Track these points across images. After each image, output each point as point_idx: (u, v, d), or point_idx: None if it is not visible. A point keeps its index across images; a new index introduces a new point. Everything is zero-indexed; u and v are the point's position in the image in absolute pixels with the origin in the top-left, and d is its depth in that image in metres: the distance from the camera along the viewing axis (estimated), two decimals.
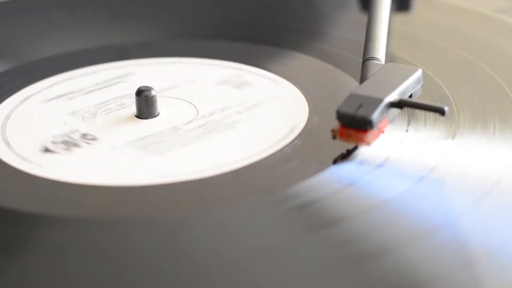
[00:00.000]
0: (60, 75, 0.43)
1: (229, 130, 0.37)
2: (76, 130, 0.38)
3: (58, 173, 0.34)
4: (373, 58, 0.38)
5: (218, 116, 0.38)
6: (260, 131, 0.37)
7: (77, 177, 0.34)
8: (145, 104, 0.38)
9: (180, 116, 0.39)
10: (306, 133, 0.36)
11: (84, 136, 0.37)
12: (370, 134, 0.33)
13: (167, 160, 0.35)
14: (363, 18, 0.44)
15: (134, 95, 0.39)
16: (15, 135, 0.38)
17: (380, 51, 0.39)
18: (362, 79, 0.37)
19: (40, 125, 0.38)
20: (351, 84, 0.40)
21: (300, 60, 0.44)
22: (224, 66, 0.43)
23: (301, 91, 0.40)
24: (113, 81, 0.42)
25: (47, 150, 0.36)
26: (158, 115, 0.39)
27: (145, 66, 0.44)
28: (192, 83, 0.42)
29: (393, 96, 0.34)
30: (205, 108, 0.39)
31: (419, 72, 0.36)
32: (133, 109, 0.39)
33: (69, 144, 0.36)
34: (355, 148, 0.34)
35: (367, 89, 0.35)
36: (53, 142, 0.37)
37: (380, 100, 0.34)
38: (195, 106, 0.39)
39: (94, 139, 0.37)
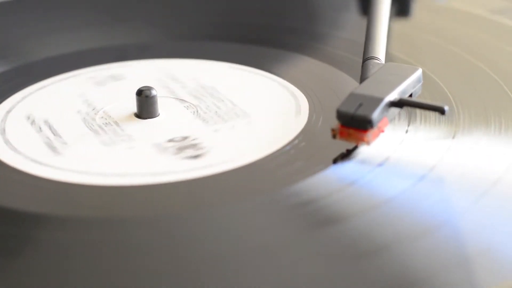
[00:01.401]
0: (52, 78, 0.43)
1: (229, 129, 0.37)
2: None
3: (61, 173, 0.34)
4: (373, 58, 0.38)
5: (217, 116, 0.38)
6: (260, 132, 0.37)
7: (80, 176, 0.34)
8: (146, 104, 0.38)
9: (181, 114, 0.39)
10: (306, 133, 0.36)
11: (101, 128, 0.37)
12: (370, 133, 0.33)
13: (167, 159, 0.35)
14: (363, 19, 0.44)
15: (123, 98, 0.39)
16: (15, 135, 0.38)
17: (380, 50, 0.39)
18: (362, 79, 0.37)
19: (41, 126, 0.38)
20: (351, 84, 0.40)
21: (300, 61, 0.44)
22: (225, 66, 0.43)
23: (301, 91, 0.40)
24: (110, 79, 0.42)
25: (53, 148, 0.36)
26: (158, 115, 0.39)
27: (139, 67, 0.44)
28: (187, 82, 0.42)
29: (393, 96, 0.34)
30: (204, 106, 0.39)
31: (419, 72, 0.36)
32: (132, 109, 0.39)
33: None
34: (355, 147, 0.35)
35: (367, 89, 0.35)
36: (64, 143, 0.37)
37: (380, 100, 0.34)
38: (193, 105, 0.40)
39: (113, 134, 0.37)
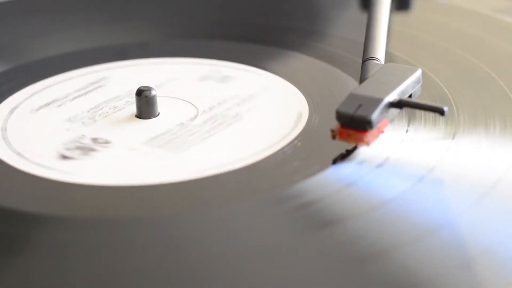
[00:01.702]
0: (39, 83, 0.42)
1: (227, 129, 0.37)
2: (84, 136, 0.37)
3: (60, 175, 0.34)
4: (372, 58, 0.38)
5: (216, 115, 0.38)
6: (259, 132, 0.37)
7: (80, 177, 0.34)
8: (145, 104, 0.38)
9: (181, 115, 0.39)
10: (306, 133, 0.36)
11: (95, 140, 0.37)
12: (370, 134, 0.33)
13: (167, 159, 0.35)
14: (363, 18, 0.44)
15: (122, 97, 0.39)
16: (15, 135, 0.38)
17: (379, 51, 0.39)
18: (361, 79, 0.37)
19: (43, 132, 0.38)
20: (351, 84, 0.40)
21: (300, 60, 0.44)
22: (224, 65, 0.43)
23: (301, 91, 0.40)
24: (92, 86, 0.42)
25: (65, 157, 0.36)
26: (158, 115, 0.39)
27: (120, 69, 0.44)
28: (182, 81, 0.42)
29: (392, 96, 0.34)
30: (203, 105, 0.39)
31: (418, 72, 0.36)
32: (129, 110, 0.39)
33: (85, 149, 0.36)
34: (355, 148, 0.34)
35: (366, 89, 0.35)
36: (68, 149, 0.36)
37: (379, 100, 0.34)
38: (192, 104, 0.40)
39: (106, 142, 0.37)
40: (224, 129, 0.37)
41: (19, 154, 0.36)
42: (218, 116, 0.38)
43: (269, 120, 0.38)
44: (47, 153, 0.36)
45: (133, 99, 0.39)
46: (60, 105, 0.40)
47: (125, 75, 0.43)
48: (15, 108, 0.40)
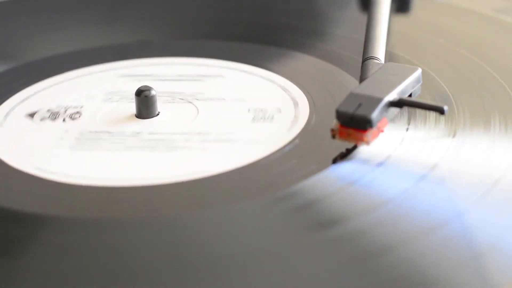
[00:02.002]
0: (36, 85, 0.43)
1: (227, 129, 0.37)
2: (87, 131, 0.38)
3: (60, 175, 0.34)
4: (372, 58, 0.38)
5: (216, 115, 0.38)
6: (259, 131, 0.37)
7: (80, 177, 0.34)
8: (145, 104, 0.38)
9: (181, 114, 0.39)
10: (306, 133, 0.36)
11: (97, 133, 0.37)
12: (370, 133, 0.33)
13: (167, 159, 0.35)
14: (363, 17, 0.44)
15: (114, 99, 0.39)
16: (16, 135, 0.38)
17: (379, 50, 0.39)
18: (361, 79, 0.37)
19: (41, 136, 0.38)
20: (351, 84, 0.39)
21: (300, 60, 0.44)
22: (224, 64, 0.43)
23: (301, 90, 0.40)
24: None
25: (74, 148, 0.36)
26: (158, 114, 0.39)
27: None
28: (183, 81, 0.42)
29: (392, 96, 0.34)
30: (203, 105, 0.39)
31: (418, 72, 0.36)
32: (128, 111, 0.39)
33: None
34: (355, 147, 0.34)
35: (366, 89, 0.35)
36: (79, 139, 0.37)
37: (379, 100, 0.34)
38: (192, 104, 0.40)
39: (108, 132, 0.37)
40: (224, 129, 0.37)
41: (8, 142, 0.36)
42: (217, 115, 0.38)
43: (269, 120, 0.38)
44: (59, 158, 0.36)
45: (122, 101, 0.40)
46: (54, 113, 0.40)
47: (143, 71, 0.43)
48: (23, 99, 0.41)
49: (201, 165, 0.34)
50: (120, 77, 0.43)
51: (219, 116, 0.38)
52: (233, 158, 0.35)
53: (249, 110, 0.39)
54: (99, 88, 0.42)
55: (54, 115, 0.39)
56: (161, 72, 0.43)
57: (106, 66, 0.44)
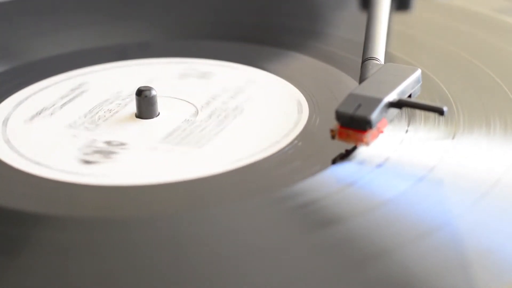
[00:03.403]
0: (30, 87, 0.42)
1: (227, 129, 0.37)
2: (95, 140, 0.37)
3: (60, 173, 0.34)
4: (372, 58, 0.38)
5: (216, 115, 0.38)
6: (259, 132, 0.37)
7: (80, 175, 0.34)
8: (145, 104, 0.38)
9: (181, 115, 0.39)
10: (305, 133, 0.36)
11: (109, 143, 0.37)
12: (369, 134, 0.33)
13: (167, 159, 0.35)
14: (363, 18, 0.44)
15: (111, 100, 0.39)
16: (16, 135, 0.38)
17: (379, 51, 0.39)
18: (361, 79, 0.37)
19: (48, 140, 0.38)
20: (351, 84, 0.40)
21: (300, 60, 0.44)
22: (224, 65, 0.43)
23: (301, 91, 0.40)
24: (74, 92, 0.42)
25: (87, 162, 0.36)
26: (159, 114, 0.39)
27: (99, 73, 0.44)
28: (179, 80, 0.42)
29: (392, 96, 0.34)
30: (203, 105, 0.39)
31: (418, 72, 0.36)
32: (127, 110, 0.39)
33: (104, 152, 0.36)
34: (354, 148, 0.34)
35: (366, 89, 0.35)
36: (86, 154, 0.36)
37: (379, 100, 0.34)
38: (191, 103, 0.40)
39: (121, 144, 0.37)
40: (224, 129, 0.37)
41: (37, 163, 0.36)
42: (217, 118, 0.38)
43: (269, 120, 0.38)
44: (66, 160, 0.36)
45: (123, 101, 0.39)
46: (52, 113, 0.40)
47: (143, 71, 0.43)
48: (23, 99, 0.41)
49: (200, 166, 0.34)
50: (122, 77, 0.43)
51: (218, 116, 0.38)
52: (233, 158, 0.35)
53: (247, 112, 0.39)
54: (100, 88, 0.42)
55: (54, 115, 0.39)
56: (162, 71, 0.43)
57: (108, 65, 0.44)
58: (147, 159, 0.35)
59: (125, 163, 0.35)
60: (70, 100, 0.41)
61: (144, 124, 0.38)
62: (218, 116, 0.38)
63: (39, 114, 0.39)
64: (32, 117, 0.39)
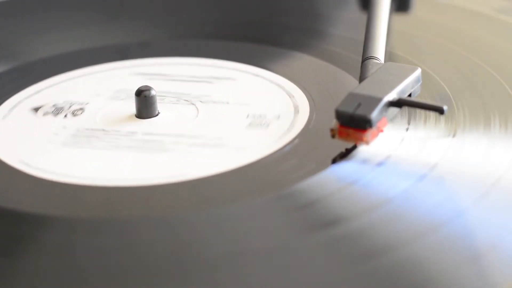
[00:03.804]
0: (35, 86, 0.43)
1: (227, 129, 0.37)
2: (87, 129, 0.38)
3: (61, 174, 0.34)
4: (372, 57, 0.38)
5: (216, 115, 0.38)
6: (259, 131, 0.37)
7: (79, 177, 0.34)
8: (144, 104, 0.38)
9: (180, 115, 0.39)
10: (305, 132, 0.36)
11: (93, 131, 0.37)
12: (369, 133, 0.33)
13: (167, 159, 0.35)
14: (363, 17, 0.44)
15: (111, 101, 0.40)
16: (16, 135, 0.38)
17: (379, 50, 0.39)
18: (361, 78, 0.37)
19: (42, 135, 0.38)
20: (351, 83, 0.39)
21: (300, 59, 0.44)
22: (224, 64, 0.43)
23: (301, 90, 0.40)
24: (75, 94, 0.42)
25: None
26: (157, 114, 0.39)
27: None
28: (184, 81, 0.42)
29: (392, 95, 0.34)
30: (203, 105, 0.39)
31: (418, 71, 0.36)
32: (127, 110, 0.39)
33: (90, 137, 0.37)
34: (354, 147, 0.34)
35: (366, 88, 0.35)
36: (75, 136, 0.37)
37: (379, 99, 0.34)
38: (192, 104, 0.40)
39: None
40: (224, 129, 0.37)
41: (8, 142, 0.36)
42: (217, 116, 0.38)
43: (269, 120, 0.38)
44: (66, 160, 0.36)
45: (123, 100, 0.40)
46: (52, 113, 0.40)
47: (143, 71, 0.43)
48: (23, 99, 0.41)
49: (199, 166, 0.34)
50: (130, 76, 0.43)
51: (218, 116, 0.38)
52: (232, 158, 0.35)
53: (248, 110, 0.39)
54: (107, 86, 0.42)
55: (57, 110, 0.39)
56: (172, 72, 0.43)
57: (117, 64, 0.44)
58: (147, 159, 0.35)
59: (125, 164, 0.35)
60: (70, 101, 0.41)
61: (144, 124, 0.38)
62: (218, 116, 0.38)
63: (39, 114, 0.39)
64: (39, 108, 0.39)
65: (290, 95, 0.40)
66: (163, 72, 0.43)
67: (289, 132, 0.36)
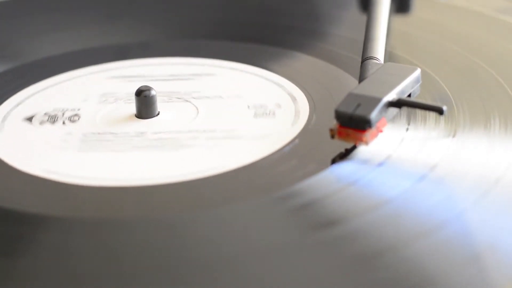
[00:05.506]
0: (34, 86, 0.42)
1: (227, 129, 0.37)
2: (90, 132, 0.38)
3: (69, 177, 0.34)
4: (372, 58, 0.38)
5: (215, 115, 0.38)
6: (258, 132, 0.37)
7: (89, 178, 0.34)
8: (145, 104, 0.38)
9: (181, 113, 0.39)
10: (305, 133, 0.36)
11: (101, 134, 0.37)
12: (369, 133, 0.33)
13: (167, 159, 0.35)
14: (363, 17, 0.44)
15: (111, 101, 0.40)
16: (16, 135, 0.38)
17: (379, 50, 0.39)
18: (361, 79, 0.37)
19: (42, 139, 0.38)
20: (351, 84, 0.39)
21: (300, 60, 0.44)
22: (224, 64, 0.43)
23: (301, 91, 0.40)
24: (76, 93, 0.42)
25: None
26: (158, 114, 0.39)
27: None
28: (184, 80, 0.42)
29: (391, 96, 0.34)
30: (203, 105, 0.39)
31: (417, 72, 0.36)
32: (127, 110, 0.39)
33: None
34: (354, 147, 0.34)
35: (365, 89, 0.35)
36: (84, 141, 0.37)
37: (378, 100, 0.34)
38: (192, 104, 0.40)
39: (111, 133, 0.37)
40: (224, 129, 0.37)
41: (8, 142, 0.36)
42: (218, 115, 0.38)
43: (269, 119, 0.38)
44: (66, 161, 0.36)
45: (123, 100, 0.40)
46: (52, 113, 0.40)
47: (143, 71, 0.43)
48: (23, 99, 0.41)
49: (199, 166, 0.34)
50: (112, 79, 0.43)
51: (218, 116, 0.38)
52: (232, 159, 0.35)
53: (248, 110, 0.39)
54: (92, 91, 0.41)
55: (52, 118, 0.39)
56: (153, 72, 0.43)
57: (98, 67, 0.44)
58: (147, 159, 0.35)
59: (125, 164, 0.35)
60: (70, 101, 0.41)
61: (148, 123, 0.38)
62: (217, 116, 0.38)
63: (35, 123, 0.39)
64: (32, 117, 0.39)
65: (290, 95, 0.40)
66: (141, 74, 0.43)
67: (288, 132, 0.36)
